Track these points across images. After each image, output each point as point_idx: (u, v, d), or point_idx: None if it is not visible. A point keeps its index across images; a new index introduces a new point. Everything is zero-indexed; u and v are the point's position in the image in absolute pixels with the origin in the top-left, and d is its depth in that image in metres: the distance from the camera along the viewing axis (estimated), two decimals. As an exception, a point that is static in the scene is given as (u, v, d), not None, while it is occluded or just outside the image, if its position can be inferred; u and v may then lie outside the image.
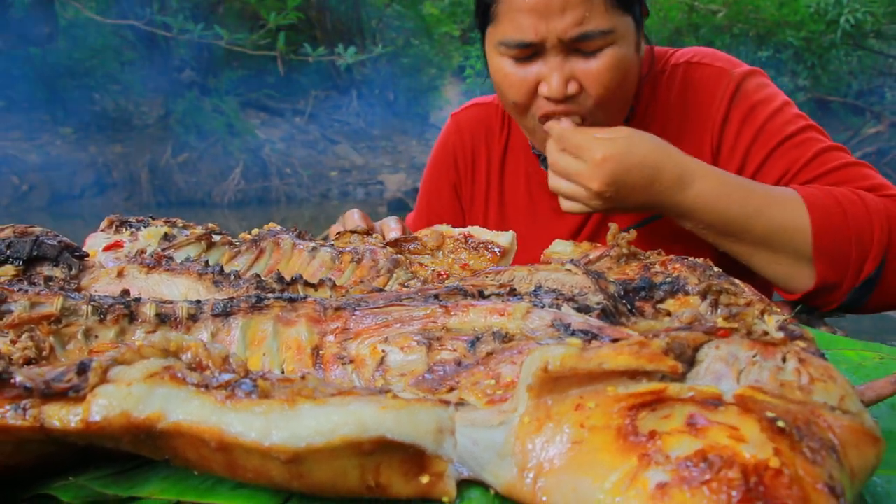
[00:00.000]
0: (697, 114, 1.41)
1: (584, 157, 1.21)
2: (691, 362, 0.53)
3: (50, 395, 0.50)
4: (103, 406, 0.49)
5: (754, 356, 0.53)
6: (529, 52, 1.27)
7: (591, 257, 0.94)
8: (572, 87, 1.26)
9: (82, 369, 0.50)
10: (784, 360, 0.53)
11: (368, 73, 14.29)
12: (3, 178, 10.39)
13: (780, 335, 0.55)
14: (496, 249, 1.05)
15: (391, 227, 1.29)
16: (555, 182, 1.27)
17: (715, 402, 0.47)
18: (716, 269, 0.81)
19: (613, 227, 0.95)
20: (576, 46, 1.24)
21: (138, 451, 0.52)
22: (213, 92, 12.61)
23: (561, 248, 1.01)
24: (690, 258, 0.84)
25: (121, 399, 0.49)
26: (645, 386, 0.49)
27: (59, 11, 10.61)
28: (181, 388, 0.49)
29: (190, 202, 10.91)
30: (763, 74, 1.43)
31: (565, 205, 1.27)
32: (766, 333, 0.56)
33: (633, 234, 0.93)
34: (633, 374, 0.49)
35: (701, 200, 1.20)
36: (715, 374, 0.51)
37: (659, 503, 0.42)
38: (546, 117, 1.30)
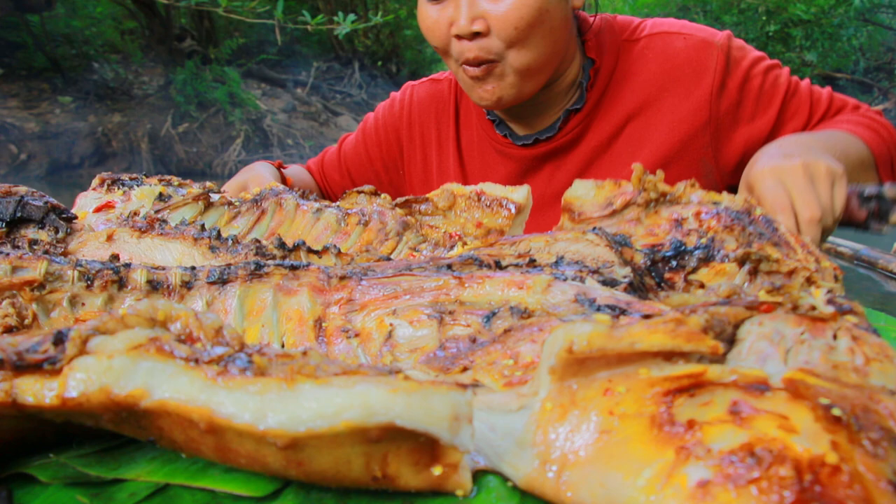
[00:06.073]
0: (684, 85, 1.39)
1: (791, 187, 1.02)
2: (732, 341, 0.48)
3: (23, 367, 0.44)
4: (81, 380, 0.44)
5: (802, 334, 0.47)
6: None
7: (615, 206, 0.86)
8: (479, 25, 1.25)
9: (59, 339, 0.45)
10: (835, 337, 0.47)
11: (370, 44, 14.14)
12: (1, 147, 10.31)
13: (830, 310, 0.50)
14: (510, 206, 0.98)
15: None
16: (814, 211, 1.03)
17: (761, 386, 0.42)
18: (758, 212, 0.73)
19: (638, 167, 0.86)
20: None
21: (120, 430, 0.47)
22: (214, 61, 12.49)
23: (582, 190, 0.91)
24: (728, 205, 0.76)
25: (100, 373, 0.43)
26: (682, 368, 0.44)
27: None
28: (167, 363, 0.44)
29: (190, 173, 10.86)
30: (732, 36, 1.44)
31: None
32: (813, 308, 0.50)
33: (660, 174, 0.85)
34: (669, 355, 0.44)
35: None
36: (759, 354, 0.46)
37: (700, 504, 0.37)
38: (467, 62, 1.29)
